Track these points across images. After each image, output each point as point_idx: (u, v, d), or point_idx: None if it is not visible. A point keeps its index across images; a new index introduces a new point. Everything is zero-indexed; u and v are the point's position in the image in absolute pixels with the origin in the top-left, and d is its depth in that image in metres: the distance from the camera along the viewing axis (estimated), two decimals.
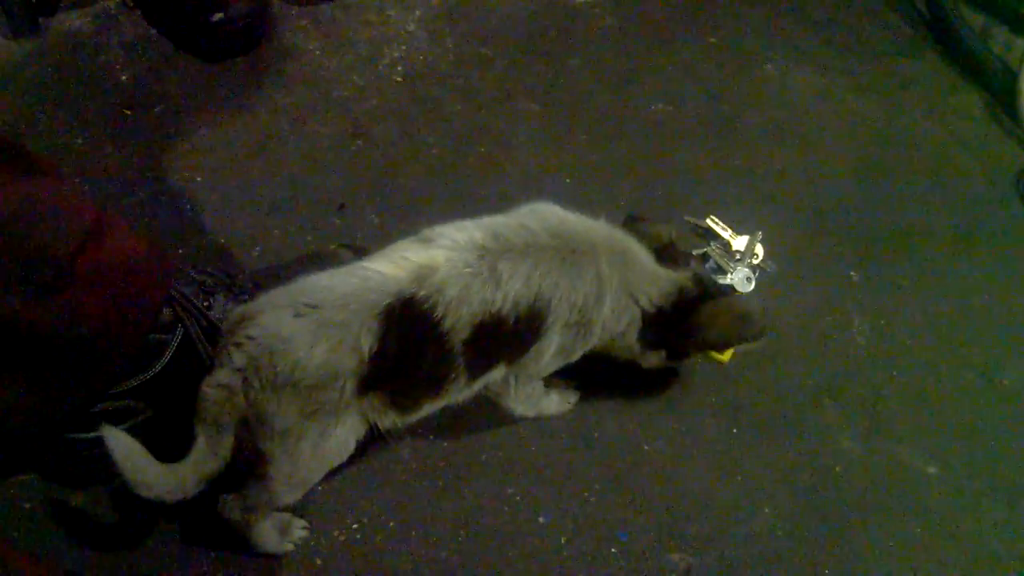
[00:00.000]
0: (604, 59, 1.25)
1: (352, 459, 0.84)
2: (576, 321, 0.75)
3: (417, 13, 1.25)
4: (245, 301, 0.80)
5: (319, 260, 0.90)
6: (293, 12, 1.21)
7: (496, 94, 1.17)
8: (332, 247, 0.94)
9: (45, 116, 1.06)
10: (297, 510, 0.81)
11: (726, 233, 1.03)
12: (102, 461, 0.75)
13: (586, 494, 0.86)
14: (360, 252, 0.92)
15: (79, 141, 1.03)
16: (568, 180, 1.09)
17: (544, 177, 1.09)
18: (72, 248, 0.68)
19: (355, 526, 0.81)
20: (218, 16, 1.10)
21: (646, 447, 0.89)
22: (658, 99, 1.21)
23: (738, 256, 1.02)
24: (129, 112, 1.07)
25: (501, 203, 1.04)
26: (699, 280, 0.83)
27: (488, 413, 0.89)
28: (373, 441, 0.85)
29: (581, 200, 1.05)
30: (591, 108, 1.18)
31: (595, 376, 0.93)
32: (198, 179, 1.02)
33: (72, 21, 1.17)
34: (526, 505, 0.84)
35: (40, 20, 1.16)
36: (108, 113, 1.07)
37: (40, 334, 0.68)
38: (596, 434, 0.89)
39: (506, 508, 0.84)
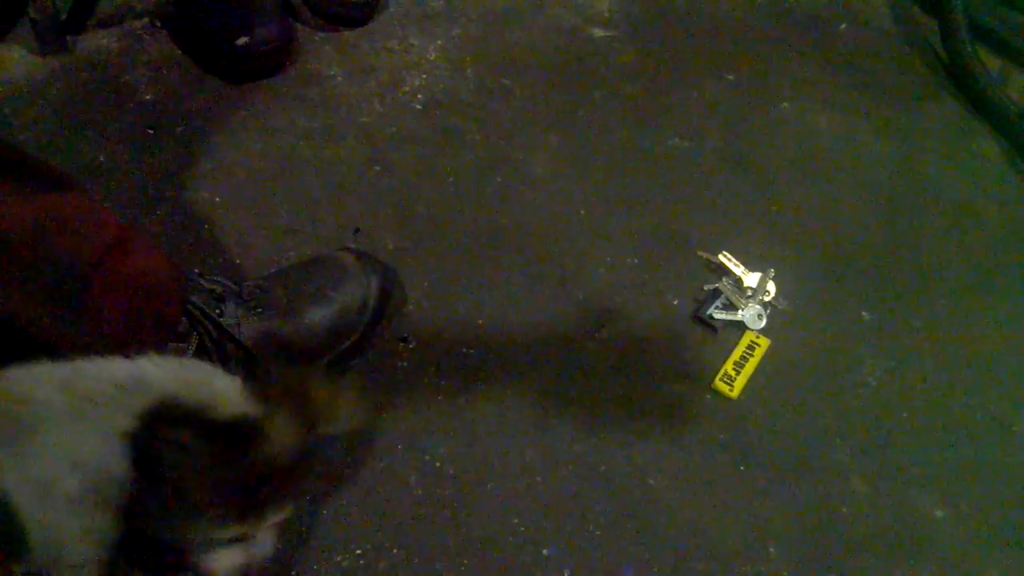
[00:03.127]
0: (623, 93, 1.26)
1: (357, 484, 0.84)
2: None
3: (439, 42, 1.26)
4: (253, 307, 0.81)
5: (320, 264, 0.91)
6: (317, 38, 1.23)
7: (515, 125, 1.18)
8: (334, 250, 0.95)
9: (70, 133, 1.08)
10: (300, 534, 0.81)
11: (738, 269, 1.03)
12: None
13: (591, 528, 0.85)
14: (363, 256, 0.93)
15: (102, 158, 1.05)
16: (583, 212, 1.10)
17: (560, 208, 1.10)
18: (93, 260, 0.70)
19: (358, 552, 0.81)
20: (243, 40, 1.12)
21: (652, 482, 0.89)
22: (676, 134, 1.22)
23: (750, 293, 1.02)
24: (152, 131, 1.09)
25: (517, 233, 1.05)
26: None
27: (497, 441, 0.89)
28: (379, 464, 0.86)
29: (596, 232, 1.06)
30: (609, 141, 1.19)
31: (603, 409, 0.93)
32: (217, 199, 1.03)
33: (99, 40, 1.19)
34: (531, 537, 0.84)
35: (68, 38, 1.18)
36: (131, 132, 1.08)
37: (62, 342, 0.69)
38: (603, 467, 0.89)
39: (510, 539, 0.84)
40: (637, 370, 0.97)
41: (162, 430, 0.49)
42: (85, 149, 1.06)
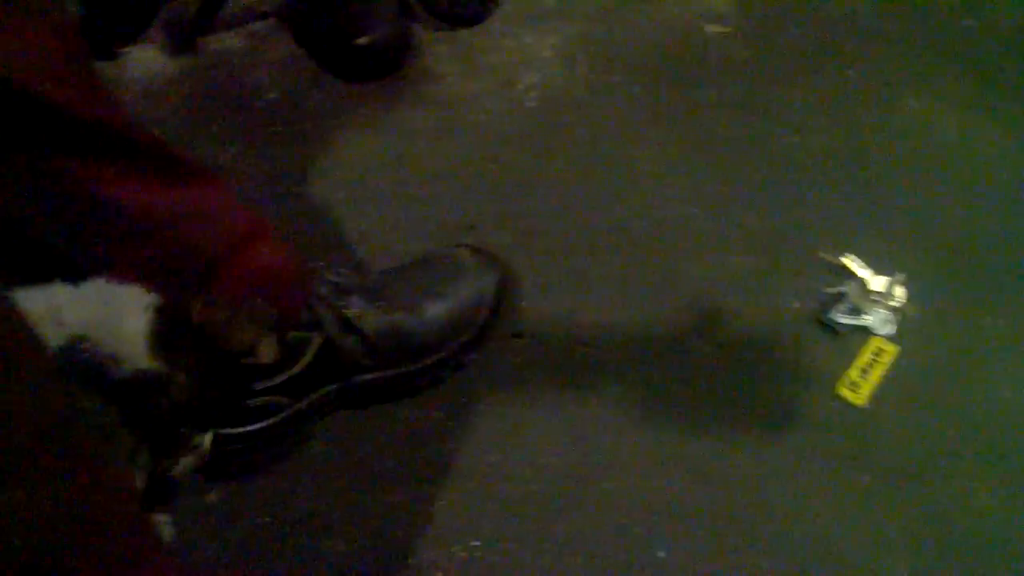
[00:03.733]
0: (735, 90, 1.24)
1: (471, 477, 0.85)
2: None
3: (552, 40, 1.26)
4: (376, 301, 0.83)
5: (438, 259, 0.92)
6: (432, 38, 1.25)
7: (627, 122, 1.17)
8: (451, 246, 0.96)
9: (197, 129, 1.12)
10: (417, 524, 0.83)
11: (864, 272, 1.00)
12: (244, 455, 0.80)
13: (705, 533, 0.84)
14: (480, 253, 0.94)
15: (229, 154, 1.09)
16: (696, 210, 1.08)
17: (668, 206, 1.08)
18: (224, 250, 0.73)
19: (474, 543, 0.82)
20: (363, 40, 1.14)
21: (769, 488, 0.87)
22: (791, 131, 1.19)
23: (877, 297, 0.98)
24: (275, 129, 1.12)
25: (629, 230, 1.05)
26: None
27: (609, 439, 0.89)
28: (492, 458, 0.87)
29: (709, 230, 1.04)
30: (719, 138, 1.17)
31: (716, 411, 0.92)
32: (339, 195, 1.06)
33: (226, 41, 1.24)
34: (644, 538, 0.83)
35: (196, 39, 1.23)
36: (256, 129, 1.12)
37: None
38: (717, 471, 0.88)
39: (623, 539, 0.83)
40: (752, 373, 0.95)
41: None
42: (213, 145, 1.10)
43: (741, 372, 0.95)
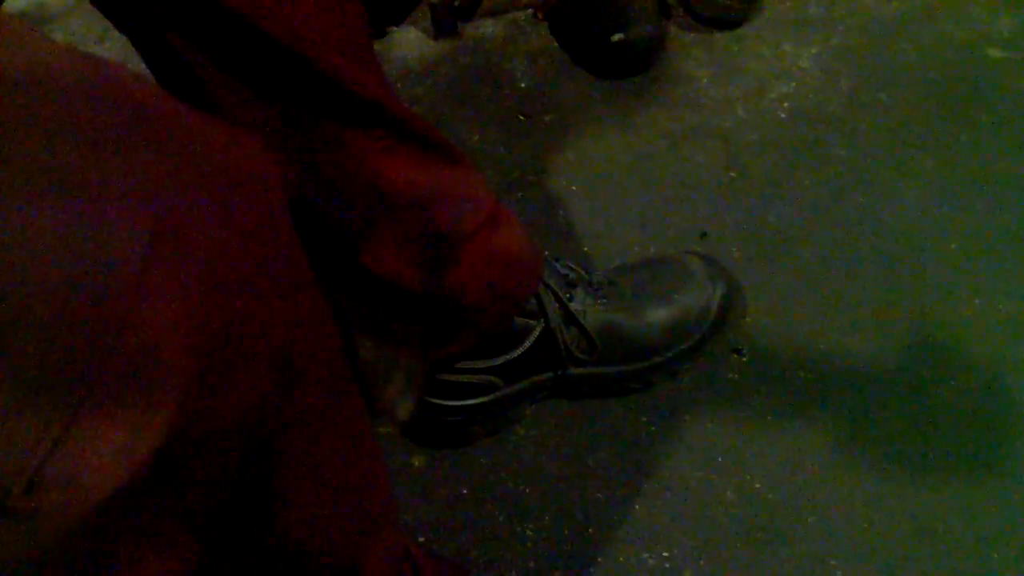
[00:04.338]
0: (1016, 118, 1.12)
1: (673, 487, 0.84)
2: None
3: (813, 50, 1.21)
4: (600, 297, 0.83)
5: (667, 264, 0.91)
6: (687, 39, 1.23)
7: (887, 143, 1.10)
8: (682, 252, 0.95)
9: (451, 111, 1.17)
10: (610, 524, 0.82)
11: None
12: (455, 428, 0.83)
13: None
14: (710, 262, 0.91)
15: (476, 138, 1.13)
16: (954, 246, 1.00)
17: (928, 239, 1.00)
18: (468, 232, 0.75)
19: (665, 554, 0.81)
20: (618, 36, 1.14)
21: (996, 556, 0.79)
22: None
23: None
24: (523, 118, 1.15)
25: (875, 259, 0.98)
26: None
27: (825, 476, 0.84)
28: (698, 473, 0.85)
29: (968, 270, 0.96)
30: (994, 172, 1.07)
31: (948, 465, 0.84)
32: (574, 188, 1.07)
33: (486, 28, 1.28)
34: None
35: (459, 24, 1.29)
36: (505, 116, 1.15)
37: (425, 301, 0.75)
38: (940, 529, 0.81)
39: None
40: (995, 428, 0.87)
41: None
42: (462, 128, 1.15)
43: (982, 426, 0.87)
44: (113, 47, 1.27)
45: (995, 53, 1.21)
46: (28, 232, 0.30)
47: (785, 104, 1.15)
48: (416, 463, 0.87)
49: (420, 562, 0.65)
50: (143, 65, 0.64)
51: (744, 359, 0.93)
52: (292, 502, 0.45)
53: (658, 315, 0.87)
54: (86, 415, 0.33)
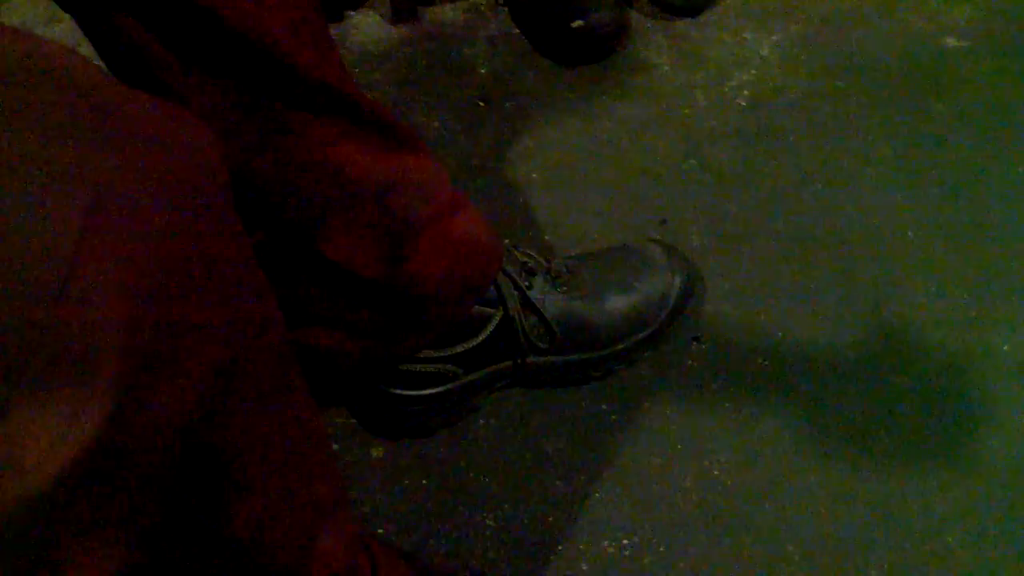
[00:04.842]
0: (973, 109, 1.14)
1: (632, 474, 0.84)
2: None
3: (774, 38, 1.21)
4: (560, 285, 0.83)
5: (627, 252, 0.91)
6: (648, 25, 1.23)
7: (845, 131, 1.10)
8: (642, 240, 0.95)
9: (408, 98, 1.16)
10: (570, 512, 0.82)
11: None
12: (414, 418, 0.82)
13: (875, 572, 0.79)
14: (669, 250, 0.91)
15: (436, 124, 1.12)
16: (911, 234, 1.01)
17: (885, 227, 1.01)
18: (426, 220, 0.75)
19: (625, 541, 0.81)
20: (578, 23, 1.14)
21: (951, 540, 0.80)
22: None
23: None
24: (482, 104, 1.14)
25: (833, 247, 0.99)
26: None
27: (781, 462, 0.85)
28: (656, 460, 0.85)
29: (923, 258, 0.97)
30: (950, 160, 1.08)
31: (903, 451, 0.85)
32: (534, 175, 1.06)
33: (445, 13, 1.27)
34: (807, 570, 0.79)
35: (418, 9, 1.27)
36: (464, 103, 1.14)
37: (385, 290, 0.74)
38: (895, 514, 0.82)
39: (784, 567, 0.79)
40: (948, 415, 0.88)
41: None
42: (421, 114, 1.13)
43: (936, 414, 0.88)
44: (63, 30, 1.23)
45: (951, 42, 1.22)
46: None
47: (745, 92, 1.15)
48: (375, 454, 0.86)
49: (376, 550, 0.64)
50: (92, 49, 0.62)
51: (703, 347, 0.93)
52: (240, 494, 0.44)
53: (617, 303, 0.87)
54: (20, 399, 0.32)
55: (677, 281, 0.89)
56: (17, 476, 0.32)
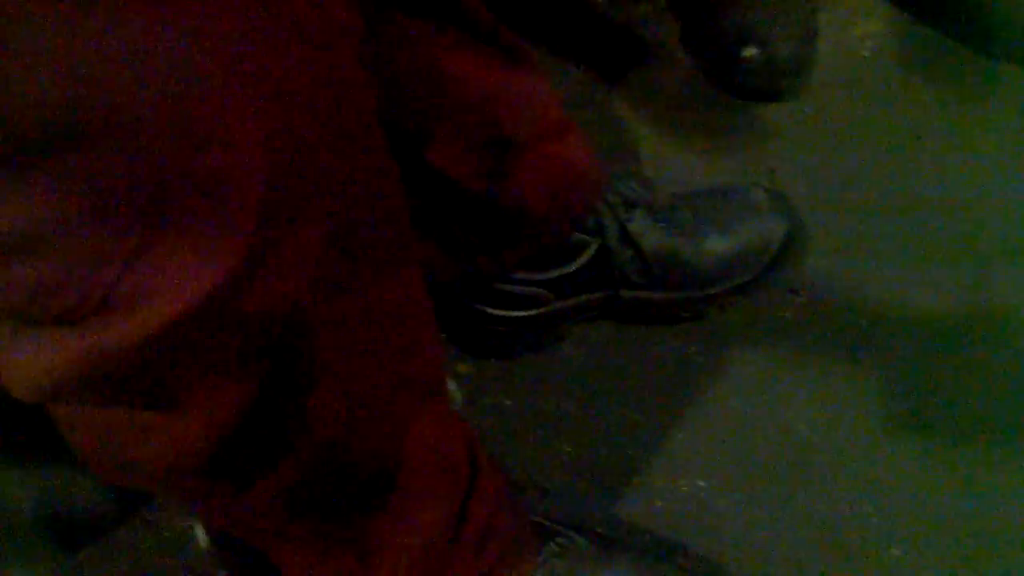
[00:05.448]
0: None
1: (712, 418, 0.83)
2: None
3: None
4: (660, 221, 0.82)
5: (732, 195, 0.90)
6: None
7: (970, 94, 1.05)
8: (749, 184, 0.92)
9: (528, 19, 1.14)
10: (648, 448, 0.82)
11: None
12: (502, 338, 0.82)
13: (951, 540, 0.77)
14: (775, 196, 0.89)
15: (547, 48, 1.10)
16: None
17: (996, 194, 0.96)
18: (530, 138, 0.74)
19: (701, 483, 0.80)
20: (750, 52, 1.01)
21: None
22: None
23: None
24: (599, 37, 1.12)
25: (942, 208, 0.95)
26: None
27: (864, 424, 0.83)
28: (737, 404, 0.84)
29: None
30: None
31: (1004, 423, 0.83)
32: (643, 110, 1.04)
33: None
34: (882, 531, 0.78)
35: None
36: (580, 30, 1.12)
37: (484, 204, 0.75)
38: (984, 482, 0.79)
39: (859, 524, 0.78)
40: None
41: None
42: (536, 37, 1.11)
43: None
44: None
45: None
46: (109, 40, 0.30)
47: (869, 43, 1.10)
48: (461, 369, 0.87)
49: (477, 448, 0.64)
50: None
51: (800, 300, 0.91)
52: (336, 368, 0.45)
53: (717, 245, 0.85)
54: (161, 238, 0.33)
55: (780, 230, 0.87)
56: (150, 308, 0.34)
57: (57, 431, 0.44)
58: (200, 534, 0.74)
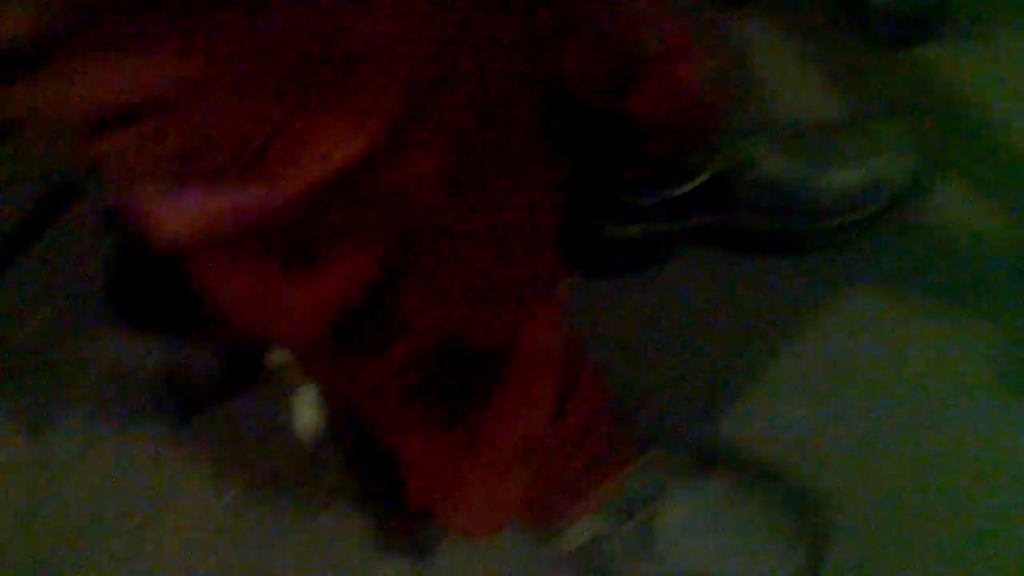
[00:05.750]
0: None
1: (819, 350, 0.82)
2: None
3: None
4: (781, 149, 0.80)
5: (860, 127, 0.87)
6: None
7: None
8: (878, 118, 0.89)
9: None
10: (735, 381, 0.82)
11: None
12: (612, 255, 0.83)
13: None
14: (905, 131, 0.87)
15: None
16: None
17: None
18: (652, 57, 0.74)
19: (798, 415, 0.80)
20: None
21: None
22: None
23: None
24: None
25: None
26: None
27: (976, 372, 0.81)
28: (846, 342, 0.82)
29: None
30: None
31: None
32: (771, 38, 1.00)
33: None
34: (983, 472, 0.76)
35: None
36: None
37: (604, 120, 0.75)
38: None
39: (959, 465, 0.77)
40: None
41: None
42: None
43: None
44: None
45: None
46: None
47: None
48: (570, 283, 0.88)
49: (582, 355, 0.66)
50: None
51: (919, 244, 0.88)
52: (458, 252, 0.47)
53: (839, 178, 0.83)
54: (307, 110, 0.35)
55: (906, 165, 0.84)
56: (296, 170, 0.37)
57: (182, 309, 0.47)
58: (303, 421, 0.77)
